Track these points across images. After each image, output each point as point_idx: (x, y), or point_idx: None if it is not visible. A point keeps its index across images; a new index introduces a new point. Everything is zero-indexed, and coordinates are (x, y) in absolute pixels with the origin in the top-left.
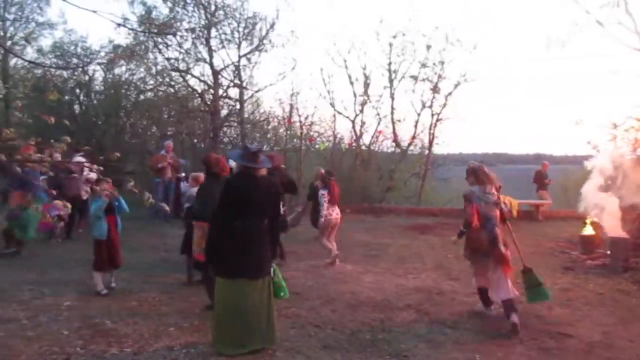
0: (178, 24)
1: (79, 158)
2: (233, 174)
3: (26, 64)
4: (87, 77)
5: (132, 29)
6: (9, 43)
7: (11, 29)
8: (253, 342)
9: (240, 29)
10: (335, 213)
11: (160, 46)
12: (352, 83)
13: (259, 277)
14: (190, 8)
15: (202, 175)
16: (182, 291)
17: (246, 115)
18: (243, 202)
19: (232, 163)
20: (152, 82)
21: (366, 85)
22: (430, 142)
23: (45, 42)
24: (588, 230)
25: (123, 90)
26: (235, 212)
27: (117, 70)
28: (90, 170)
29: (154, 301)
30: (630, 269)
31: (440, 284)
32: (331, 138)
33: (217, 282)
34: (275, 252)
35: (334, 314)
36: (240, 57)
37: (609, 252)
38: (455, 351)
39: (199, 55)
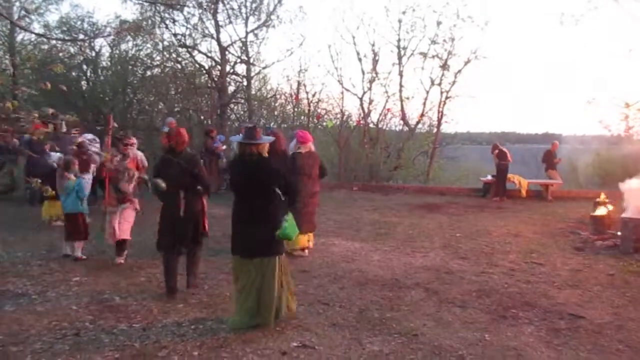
0: None
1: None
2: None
3: (33, 39)
4: (94, 53)
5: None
6: (15, 17)
7: (17, 3)
8: (246, 318)
9: (248, 4)
10: None
11: (167, 21)
12: (360, 60)
13: (253, 256)
14: None
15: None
16: None
17: (253, 92)
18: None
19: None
20: (158, 58)
21: (375, 62)
22: (439, 120)
23: (52, 17)
24: (599, 211)
25: (130, 66)
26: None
27: (123, 46)
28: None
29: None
30: None
31: (448, 263)
32: (339, 115)
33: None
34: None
35: (342, 292)
36: (247, 32)
37: (619, 232)
38: (465, 330)
39: (206, 31)
